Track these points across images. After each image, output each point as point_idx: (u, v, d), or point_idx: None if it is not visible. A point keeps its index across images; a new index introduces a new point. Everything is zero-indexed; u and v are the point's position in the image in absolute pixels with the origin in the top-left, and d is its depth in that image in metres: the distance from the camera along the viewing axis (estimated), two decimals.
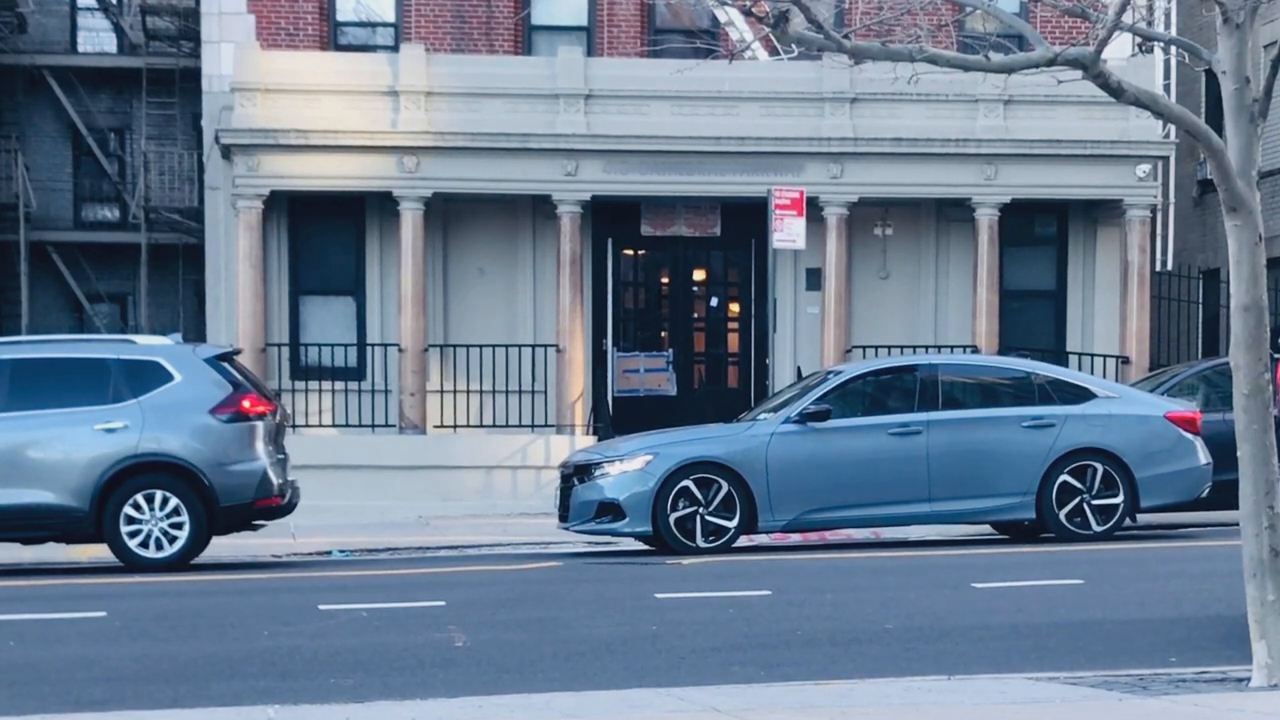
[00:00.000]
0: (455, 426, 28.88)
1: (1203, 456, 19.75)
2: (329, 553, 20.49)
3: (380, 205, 29.14)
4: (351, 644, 12.42)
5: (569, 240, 28.53)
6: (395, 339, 28.78)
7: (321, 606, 14.43)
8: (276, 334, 29.09)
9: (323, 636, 12.86)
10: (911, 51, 9.80)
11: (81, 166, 39.26)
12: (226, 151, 28.49)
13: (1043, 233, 30.93)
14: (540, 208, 29.23)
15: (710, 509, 18.93)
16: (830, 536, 20.69)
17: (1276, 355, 15.08)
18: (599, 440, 26.48)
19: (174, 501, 18.13)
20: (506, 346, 29.19)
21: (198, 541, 18.30)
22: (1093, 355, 29.68)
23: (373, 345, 29.31)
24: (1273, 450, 9.73)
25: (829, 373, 20.88)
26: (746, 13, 10.00)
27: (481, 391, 29.11)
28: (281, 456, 19.05)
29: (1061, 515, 19.32)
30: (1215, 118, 11.70)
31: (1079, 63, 9.56)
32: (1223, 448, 16.29)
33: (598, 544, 20.65)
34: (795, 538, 20.44)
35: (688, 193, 29.23)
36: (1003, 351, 27.97)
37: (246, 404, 18.51)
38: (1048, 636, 12.32)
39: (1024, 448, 19.39)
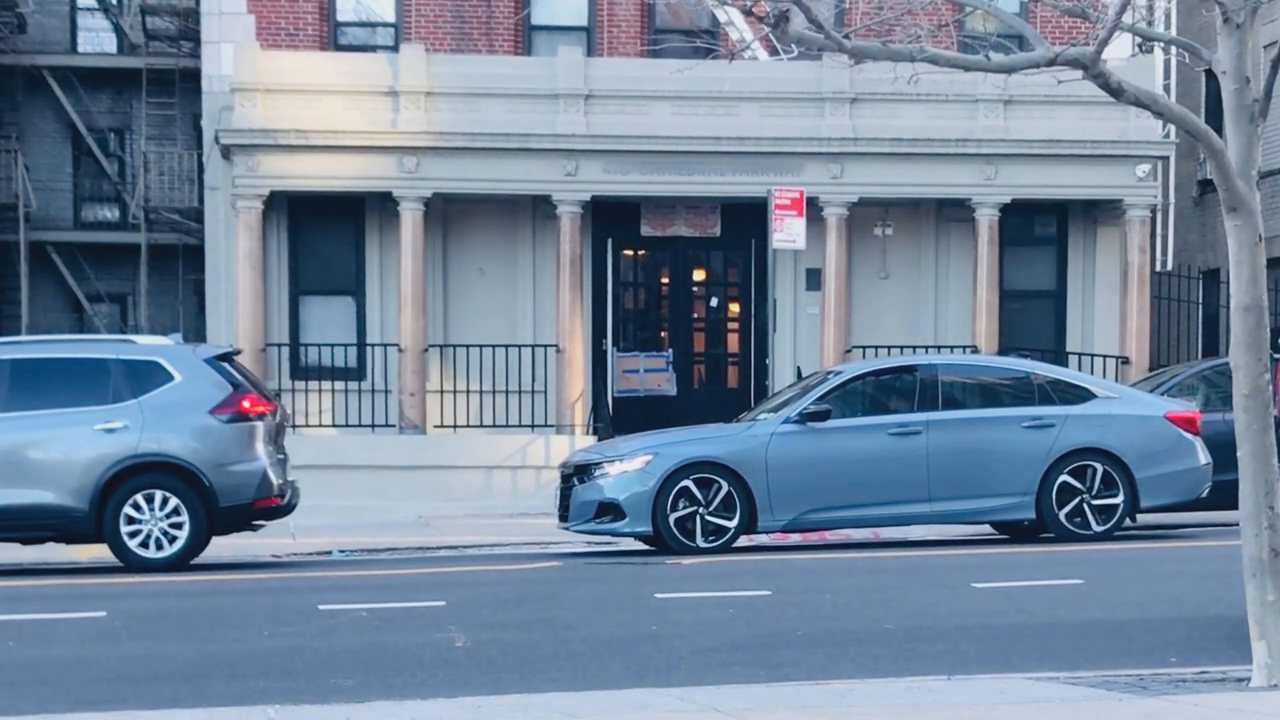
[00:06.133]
0: (455, 426, 28.88)
1: (1202, 456, 19.74)
2: (329, 553, 20.49)
3: (380, 205, 29.15)
4: (352, 644, 12.42)
5: (569, 240, 28.53)
6: (395, 339, 28.78)
7: (322, 607, 14.42)
8: (276, 334, 29.09)
9: (323, 637, 12.86)
10: (912, 51, 9.80)
11: (81, 166, 39.25)
12: (226, 152, 28.49)
13: (1043, 233, 30.94)
14: (540, 208, 29.23)
15: (710, 509, 18.93)
16: (830, 536, 20.68)
17: (1276, 355, 15.10)
18: (599, 440, 26.48)
19: (174, 501, 18.13)
20: (506, 346, 29.19)
21: (198, 541, 18.30)
22: (1093, 355, 29.68)
23: (373, 345, 29.31)
24: (1273, 450, 9.73)
25: (829, 373, 20.88)
26: (746, 13, 9.99)
27: (481, 391, 29.11)
28: (281, 456, 19.05)
29: (1061, 515, 19.31)
30: (1215, 118, 11.70)
31: (1079, 63, 9.56)
32: (1223, 448, 16.28)
33: (598, 544, 20.65)
34: (795, 538, 20.44)
35: (688, 193, 29.23)
36: (1003, 351, 27.98)
37: (246, 404, 18.51)
38: (1048, 636, 12.32)
39: (1024, 448, 19.38)
